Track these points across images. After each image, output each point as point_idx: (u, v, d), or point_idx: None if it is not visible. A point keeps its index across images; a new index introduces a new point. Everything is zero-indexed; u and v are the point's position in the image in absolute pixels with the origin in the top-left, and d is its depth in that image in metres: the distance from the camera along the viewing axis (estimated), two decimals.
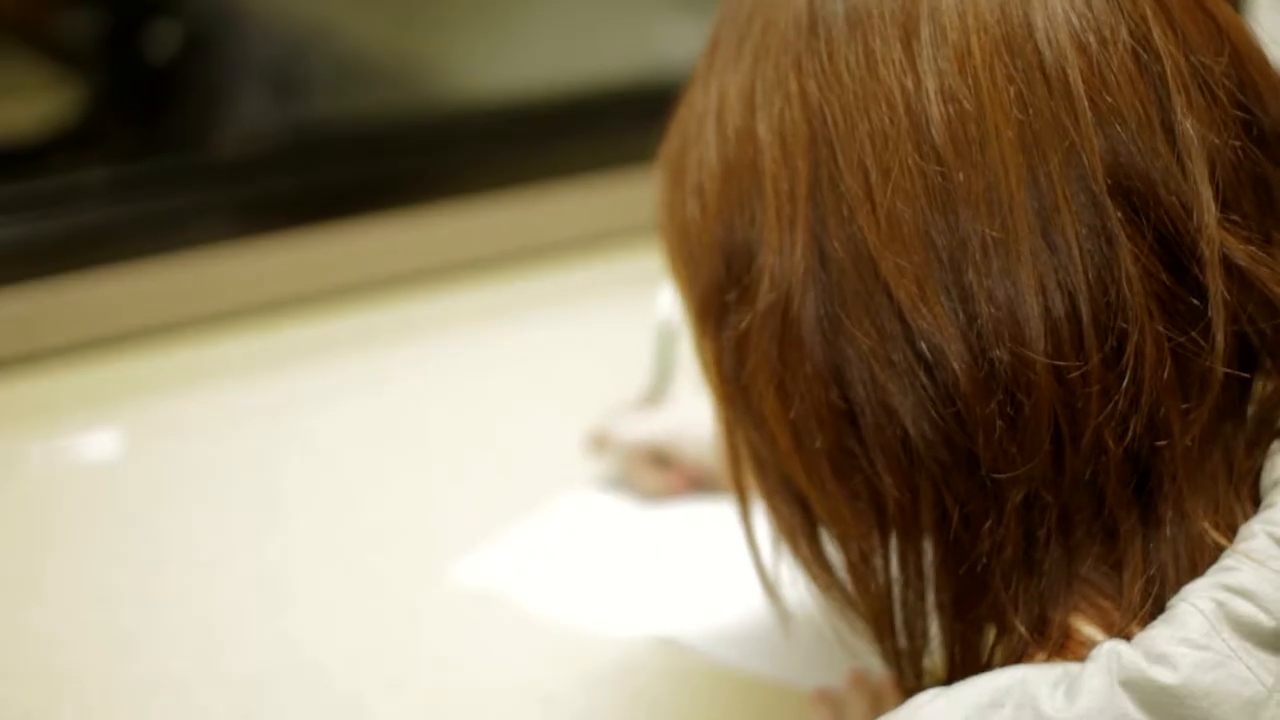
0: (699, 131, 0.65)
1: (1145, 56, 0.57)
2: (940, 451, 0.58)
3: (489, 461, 1.12)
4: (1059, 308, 0.56)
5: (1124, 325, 0.56)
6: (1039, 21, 0.57)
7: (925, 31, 0.58)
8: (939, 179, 0.57)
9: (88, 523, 1.05)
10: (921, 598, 0.63)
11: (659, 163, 0.69)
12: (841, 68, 0.59)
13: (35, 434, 1.17)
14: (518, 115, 1.49)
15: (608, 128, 1.49)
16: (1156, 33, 0.58)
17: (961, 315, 0.57)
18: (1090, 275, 0.56)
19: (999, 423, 0.57)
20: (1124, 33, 0.57)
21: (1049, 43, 0.57)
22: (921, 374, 0.58)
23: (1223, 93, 0.58)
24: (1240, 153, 0.58)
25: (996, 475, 0.58)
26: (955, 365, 0.57)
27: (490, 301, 1.39)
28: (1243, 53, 0.60)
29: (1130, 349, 0.56)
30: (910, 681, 0.66)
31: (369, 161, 1.39)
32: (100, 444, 1.16)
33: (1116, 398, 0.57)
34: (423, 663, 0.89)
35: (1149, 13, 0.58)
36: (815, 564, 0.66)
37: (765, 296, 0.61)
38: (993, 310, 0.56)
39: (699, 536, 1.01)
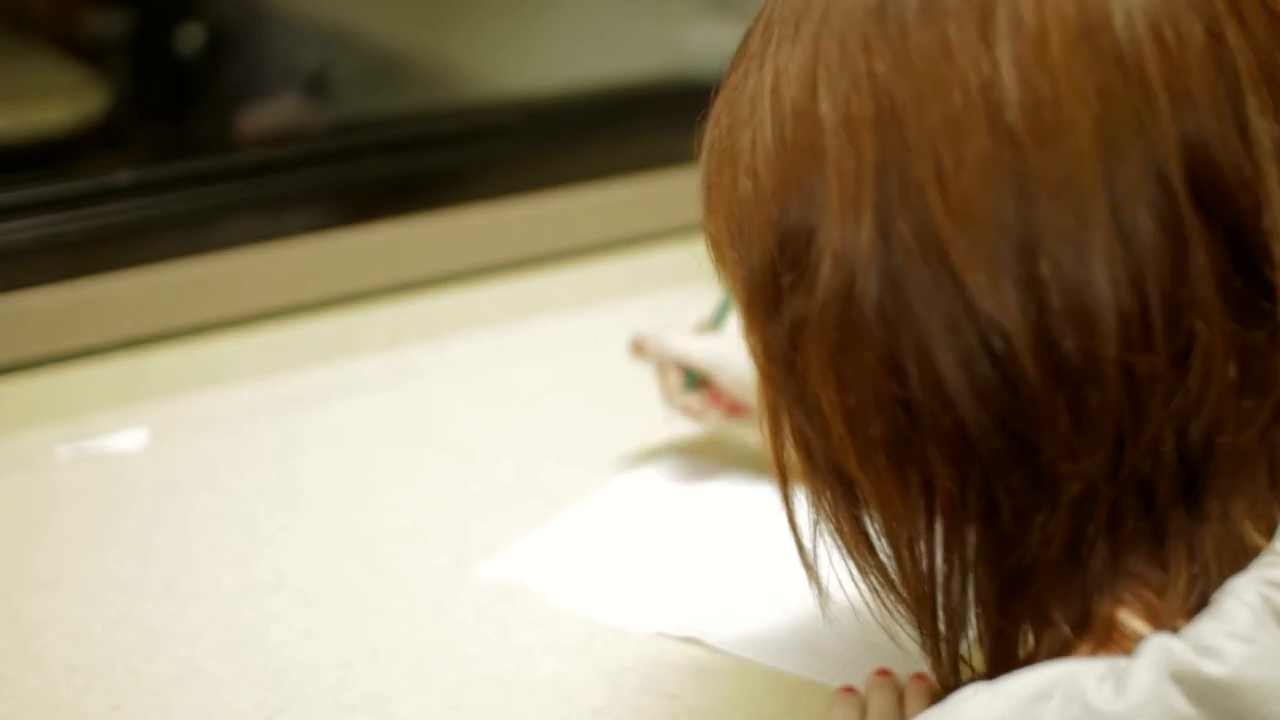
0: (751, 111, 0.63)
1: (1220, 52, 0.57)
2: (997, 441, 0.58)
3: (512, 458, 1.13)
4: (1130, 301, 0.56)
5: (1194, 322, 0.56)
6: (1117, 13, 0.57)
7: (1001, 18, 0.57)
8: (1014, 165, 0.56)
9: (114, 518, 1.06)
10: (965, 586, 0.63)
11: (703, 145, 0.67)
12: (913, 50, 0.58)
13: (63, 431, 1.18)
14: (545, 116, 1.49)
15: (636, 129, 1.49)
16: (1230, 30, 0.57)
17: (1031, 304, 0.56)
18: (1163, 270, 0.56)
19: (1064, 415, 0.57)
20: (1199, 28, 0.57)
21: (1127, 34, 0.56)
22: (985, 362, 0.57)
23: None
24: None
25: (1055, 468, 0.57)
26: (1023, 355, 0.56)
27: (514, 299, 1.39)
28: None
29: (1200, 347, 0.56)
30: (945, 669, 0.66)
31: (395, 161, 1.39)
32: (127, 440, 1.17)
33: (1181, 394, 0.56)
34: (446, 658, 0.89)
35: (1222, 10, 0.58)
36: (859, 547, 0.66)
37: (826, 279, 0.59)
38: (1064, 300, 0.56)
39: (723, 532, 1.02)
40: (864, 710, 0.80)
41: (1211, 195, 0.56)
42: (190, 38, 1.58)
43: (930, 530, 0.62)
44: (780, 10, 0.64)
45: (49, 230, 1.24)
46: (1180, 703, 0.52)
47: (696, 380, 1.02)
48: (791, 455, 0.66)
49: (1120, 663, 0.54)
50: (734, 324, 1.01)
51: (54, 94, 1.53)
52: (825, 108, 0.60)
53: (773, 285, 0.62)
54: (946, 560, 0.62)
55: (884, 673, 0.82)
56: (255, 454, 1.15)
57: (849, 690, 0.81)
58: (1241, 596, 0.55)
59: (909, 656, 0.84)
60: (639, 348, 1.04)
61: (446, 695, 0.86)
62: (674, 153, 1.49)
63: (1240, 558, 0.58)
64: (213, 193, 1.31)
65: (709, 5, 1.70)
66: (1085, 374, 0.56)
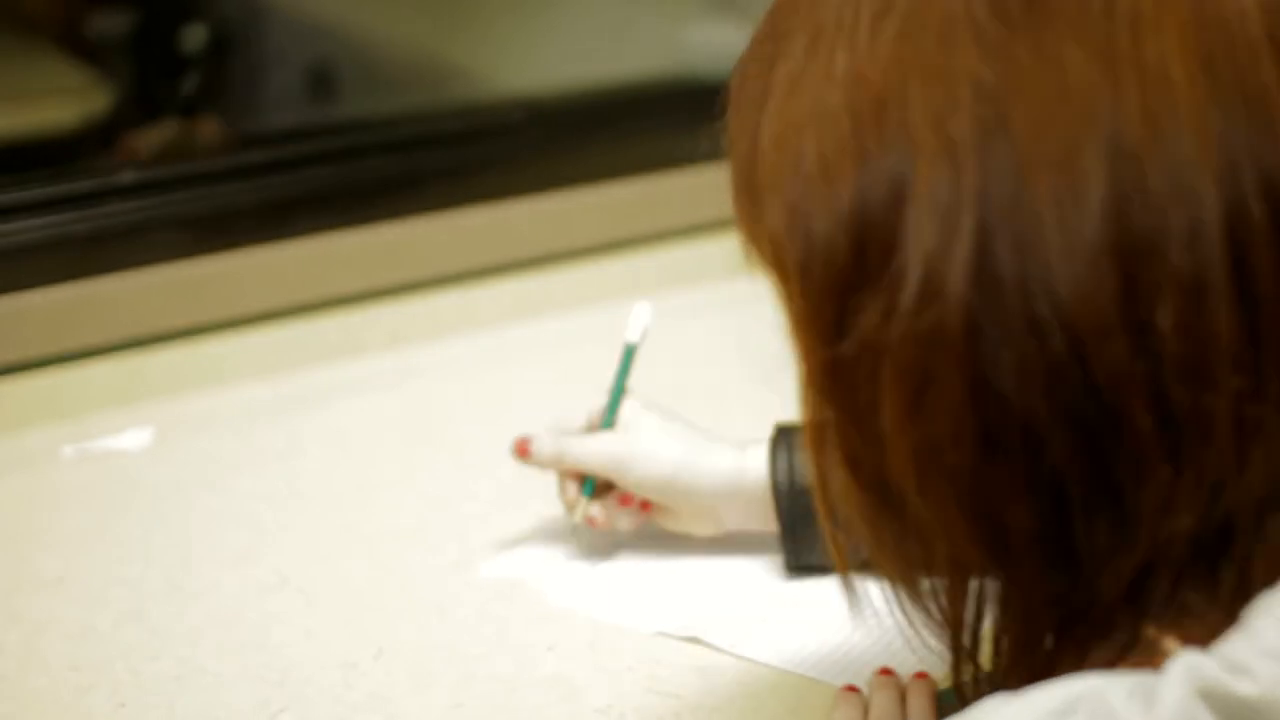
0: (817, 97, 0.58)
1: None
2: (1089, 487, 0.56)
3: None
4: (1245, 350, 0.54)
5: None
6: (1237, 32, 0.55)
7: (1122, 45, 0.55)
8: (1137, 211, 0.54)
9: (117, 518, 1.06)
10: (1014, 617, 0.61)
11: (731, 143, 0.63)
12: (1026, 68, 0.55)
13: (65, 430, 1.18)
14: (547, 116, 1.49)
15: (638, 129, 1.49)
16: None
17: (1146, 352, 0.54)
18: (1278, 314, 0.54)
19: (1166, 466, 0.55)
20: None
21: (1249, 58, 0.55)
22: (1089, 407, 0.54)
23: None
24: None
25: (1145, 516, 0.55)
26: (1132, 403, 0.54)
27: (515, 299, 1.39)
28: None
29: None
30: (966, 674, 0.65)
31: (397, 161, 1.39)
32: (129, 440, 1.17)
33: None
34: (448, 657, 0.89)
35: None
36: (903, 571, 0.63)
37: (912, 301, 0.55)
38: (1180, 349, 0.54)
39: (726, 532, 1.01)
40: (866, 710, 0.80)
41: None
42: (194, 38, 1.58)
43: (989, 564, 0.60)
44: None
45: (52, 230, 1.24)
46: None
47: (597, 485, 0.94)
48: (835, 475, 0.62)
49: (1149, 679, 0.53)
50: (629, 417, 0.94)
51: (55, 94, 1.53)
52: (917, 115, 0.56)
53: (840, 297, 0.58)
54: (1002, 593, 0.61)
55: (886, 672, 0.82)
56: (257, 453, 1.15)
57: (851, 689, 0.81)
58: (1273, 614, 0.53)
59: (911, 656, 0.85)
60: (524, 450, 0.95)
61: (449, 694, 0.86)
62: (676, 153, 1.50)
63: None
64: (215, 193, 1.31)
65: (712, 5, 1.70)
66: (1194, 425, 0.54)
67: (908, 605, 0.64)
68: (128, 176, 1.29)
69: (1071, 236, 0.54)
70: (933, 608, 0.63)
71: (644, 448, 0.93)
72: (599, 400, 0.97)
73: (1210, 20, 0.55)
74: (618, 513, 0.96)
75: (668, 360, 1.27)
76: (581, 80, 1.63)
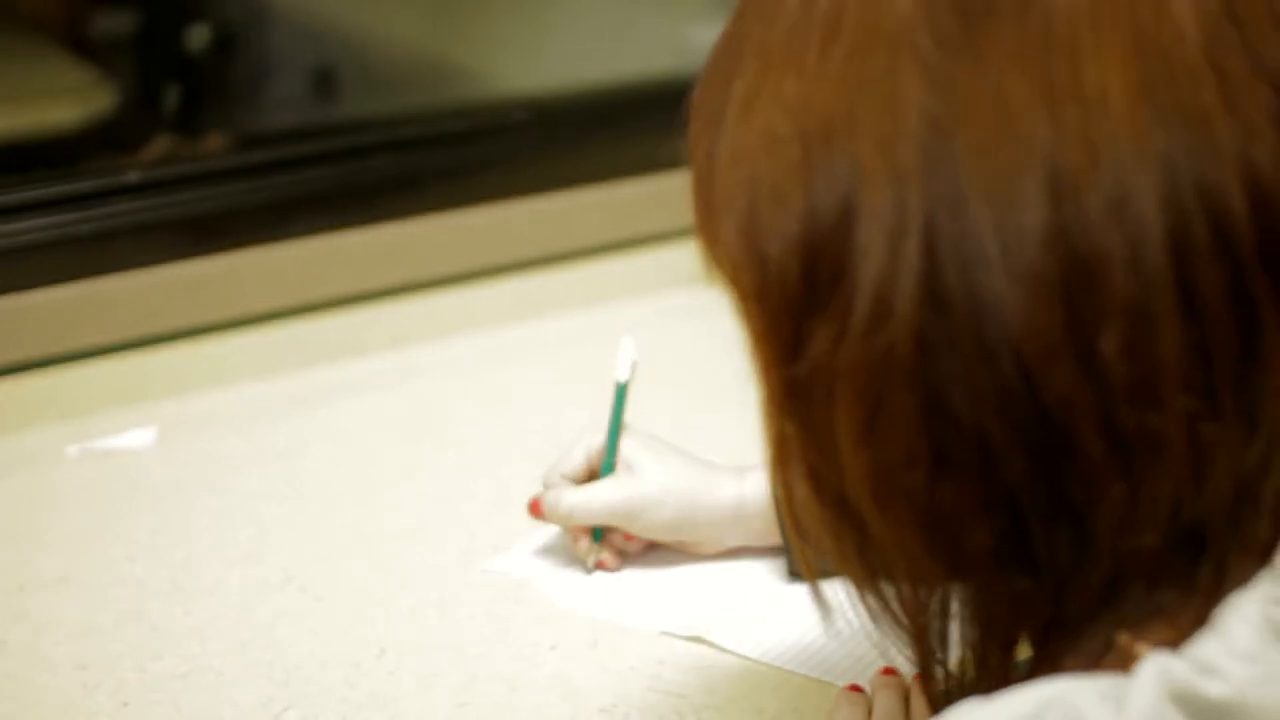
0: (767, 125, 0.59)
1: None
2: (1046, 507, 0.56)
3: (517, 457, 1.13)
4: (1197, 371, 0.54)
5: (1262, 381, 0.54)
6: (1177, 59, 0.55)
7: (1060, 74, 0.55)
8: (1077, 237, 0.54)
9: (121, 517, 1.06)
10: (978, 626, 0.62)
11: (690, 155, 0.65)
12: (968, 95, 0.55)
13: (69, 430, 1.18)
14: (550, 115, 1.49)
15: (641, 129, 1.48)
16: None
17: (1094, 378, 0.54)
18: (1230, 334, 0.54)
19: (1121, 486, 0.55)
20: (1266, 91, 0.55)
21: (1189, 83, 0.55)
22: (1040, 431, 0.55)
23: None
24: None
25: (1104, 533, 0.56)
26: (1082, 426, 0.54)
27: (518, 299, 1.39)
28: None
29: (1269, 407, 0.55)
30: (938, 686, 0.65)
31: (400, 161, 1.39)
32: (133, 439, 1.17)
33: (1247, 456, 0.55)
34: (453, 656, 0.89)
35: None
36: (865, 581, 0.64)
37: (861, 326, 0.56)
38: (1129, 374, 0.54)
39: None
40: (869, 710, 0.80)
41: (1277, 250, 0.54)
42: (198, 38, 1.58)
43: (949, 578, 0.61)
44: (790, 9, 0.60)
45: (55, 230, 1.24)
46: None
47: (604, 532, 0.97)
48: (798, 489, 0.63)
49: (1119, 682, 0.53)
50: (629, 457, 0.96)
51: (59, 94, 1.53)
52: (864, 142, 0.56)
53: (793, 319, 0.59)
54: (967, 603, 0.61)
55: (890, 672, 0.82)
56: (260, 453, 1.15)
57: (854, 689, 0.81)
58: (1244, 614, 0.53)
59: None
60: (536, 510, 0.96)
61: (453, 693, 0.86)
62: (679, 152, 1.50)
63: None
64: (217, 193, 1.32)
65: (713, 4, 1.70)
66: (1145, 446, 0.54)
67: (874, 613, 0.64)
68: (130, 177, 1.29)
69: (1015, 262, 0.54)
70: (898, 615, 0.64)
71: (647, 497, 0.95)
72: (597, 431, 0.98)
73: (1149, 45, 0.55)
74: (626, 547, 0.99)
75: (669, 361, 1.27)
76: (583, 80, 1.63)
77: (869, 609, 0.64)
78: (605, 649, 0.90)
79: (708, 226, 0.63)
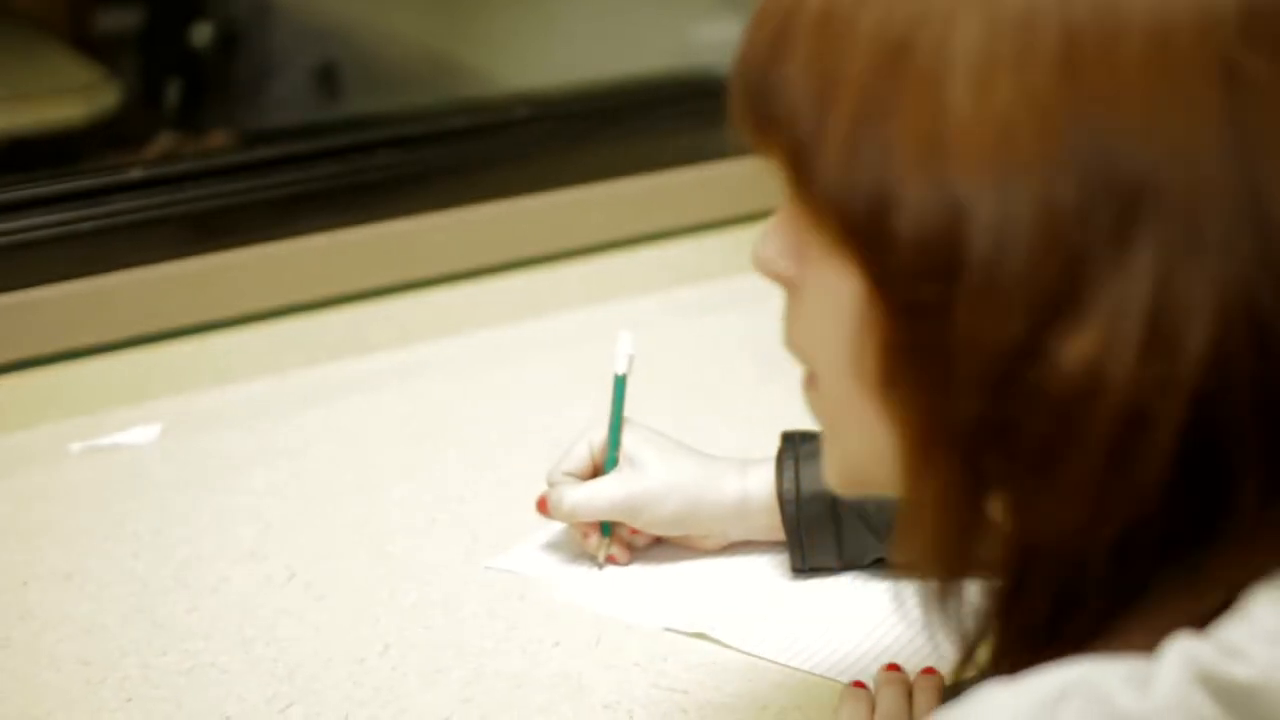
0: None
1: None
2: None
3: (523, 454, 1.13)
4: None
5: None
6: None
7: None
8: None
9: (126, 513, 1.06)
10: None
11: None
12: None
13: (74, 426, 1.18)
14: (556, 112, 1.49)
15: (646, 126, 1.49)
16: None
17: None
18: (1249, 276, 0.53)
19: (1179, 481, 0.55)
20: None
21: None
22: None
23: None
24: None
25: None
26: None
27: (524, 296, 1.39)
28: None
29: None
30: (967, 665, 0.65)
31: (405, 158, 1.39)
32: (138, 436, 1.17)
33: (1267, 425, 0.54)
34: (457, 653, 0.89)
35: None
36: (963, 532, 0.60)
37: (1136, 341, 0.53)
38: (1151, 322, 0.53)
39: None
40: (873, 706, 0.80)
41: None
42: (201, 35, 1.58)
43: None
44: None
45: (60, 227, 1.24)
46: (1206, 706, 0.51)
47: (612, 526, 0.97)
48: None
49: (1144, 664, 0.53)
50: (632, 451, 0.96)
51: (63, 92, 1.53)
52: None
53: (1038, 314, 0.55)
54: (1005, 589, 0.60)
55: (893, 668, 0.82)
56: (265, 450, 1.15)
57: (858, 686, 0.82)
58: (1270, 598, 0.53)
59: (918, 653, 0.85)
60: (544, 508, 0.97)
61: (457, 690, 0.86)
62: (684, 149, 1.50)
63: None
64: (222, 190, 1.32)
65: (718, 2, 1.70)
66: (1155, 399, 0.53)
67: (936, 605, 0.63)
68: (134, 173, 1.29)
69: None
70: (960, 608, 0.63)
71: (650, 492, 0.95)
72: (599, 427, 0.98)
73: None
74: (634, 540, 0.99)
75: (675, 357, 1.27)
76: (586, 77, 1.63)
77: (932, 601, 0.63)
78: (609, 646, 0.90)
79: (927, 167, 0.56)
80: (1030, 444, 0.55)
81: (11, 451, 1.15)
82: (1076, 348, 0.53)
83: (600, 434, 0.98)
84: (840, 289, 0.58)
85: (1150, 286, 0.53)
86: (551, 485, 0.97)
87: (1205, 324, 0.53)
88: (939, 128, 0.54)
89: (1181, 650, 0.53)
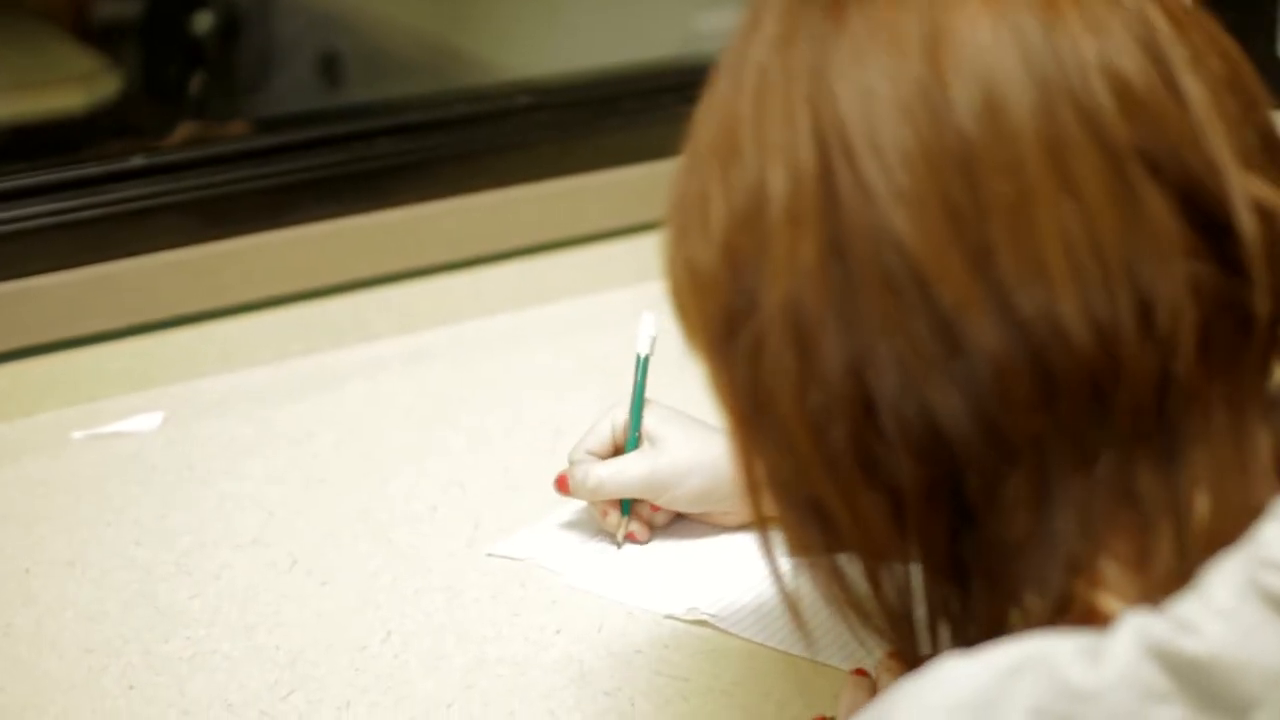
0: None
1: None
2: (964, 425, 0.57)
3: (526, 441, 1.13)
4: (1090, 266, 0.56)
5: (1155, 281, 0.56)
6: None
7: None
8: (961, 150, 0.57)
9: (128, 501, 1.06)
10: (942, 602, 0.62)
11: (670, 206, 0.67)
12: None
13: (77, 414, 1.18)
14: (558, 100, 1.49)
15: (648, 114, 1.48)
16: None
17: (992, 286, 0.56)
18: (1116, 229, 0.56)
19: (1031, 394, 0.56)
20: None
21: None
22: (948, 351, 0.57)
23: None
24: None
25: (1020, 436, 0.57)
26: (986, 338, 0.56)
27: (527, 283, 1.39)
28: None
29: (1163, 304, 0.56)
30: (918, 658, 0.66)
31: (408, 145, 1.39)
32: (141, 423, 1.17)
33: (1154, 355, 0.56)
34: (459, 640, 0.89)
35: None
36: (834, 582, 0.65)
37: (774, 295, 0.59)
38: (1018, 273, 0.56)
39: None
40: (874, 693, 0.80)
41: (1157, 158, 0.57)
42: (203, 23, 1.58)
43: (905, 543, 0.61)
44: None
45: (62, 214, 1.24)
46: (1157, 679, 0.52)
47: (632, 504, 0.98)
48: (768, 503, 0.65)
49: (1096, 638, 0.53)
50: (654, 430, 0.97)
51: (65, 80, 1.53)
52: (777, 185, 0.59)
53: (726, 316, 0.62)
54: (924, 572, 0.62)
55: (895, 655, 0.82)
56: (268, 437, 1.15)
57: (860, 673, 0.81)
58: (1225, 573, 0.53)
59: None
60: (564, 486, 0.97)
61: (460, 676, 0.86)
62: (684, 138, 1.50)
63: (1225, 529, 0.57)
64: (225, 177, 1.32)
65: None
66: (1050, 351, 0.56)
67: (855, 621, 0.66)
68: (137, 161, 1.29)
69: (905, 193, 0.57)
70: (874, 616, 0.65)
71: (674, 468, 0.96)
72: (621, 406, 0.98)
73: None
74: (654, 518, 1.00)
75: (677, 345, 1.27)
76: (589, 65, 1.63)
77: (844, 616, 0.66)
78: (611, 632, 0.90)
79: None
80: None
81: (14, 439, 1.15)
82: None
83: (623, 414, 0.99)
84: None
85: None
86: (573, 464, 0.98)
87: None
88: None
89: (1135, 624, 0.53)
